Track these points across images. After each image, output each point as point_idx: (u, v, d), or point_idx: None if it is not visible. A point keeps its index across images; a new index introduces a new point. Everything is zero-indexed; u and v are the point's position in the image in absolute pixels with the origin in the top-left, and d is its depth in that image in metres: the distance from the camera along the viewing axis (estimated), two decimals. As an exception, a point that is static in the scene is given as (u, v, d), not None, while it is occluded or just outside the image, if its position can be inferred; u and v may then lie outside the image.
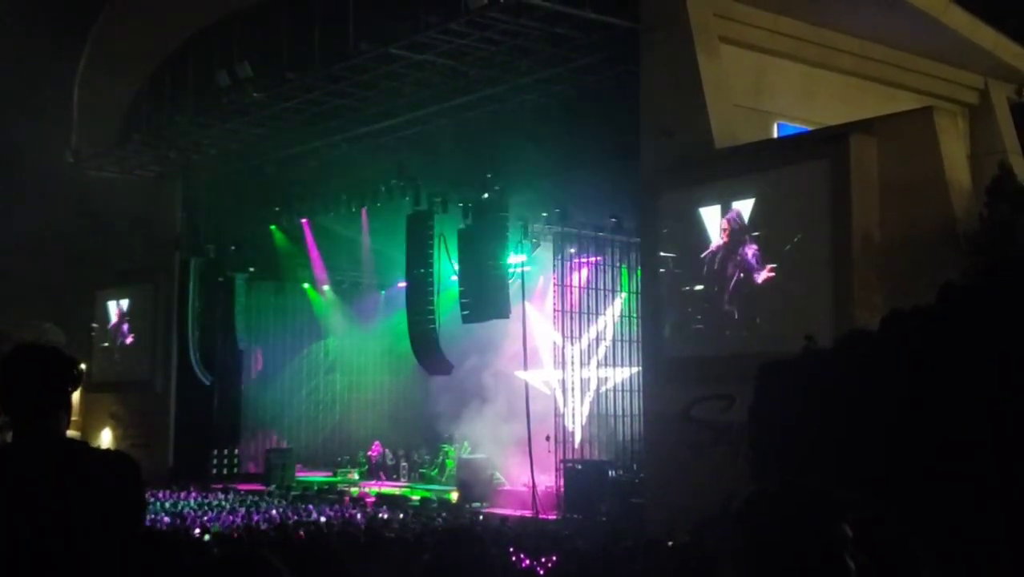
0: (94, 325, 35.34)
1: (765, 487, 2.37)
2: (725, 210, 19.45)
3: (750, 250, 19.07)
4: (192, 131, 29.99)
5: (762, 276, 18.89)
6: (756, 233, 19.03)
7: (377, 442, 32.45)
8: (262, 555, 2.91)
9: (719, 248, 19.51)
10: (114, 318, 35.22)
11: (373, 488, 28.83)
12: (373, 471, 31.49)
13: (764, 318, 18.88)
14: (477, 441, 28.11)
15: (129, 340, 34.66)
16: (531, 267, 27.35)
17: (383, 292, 35.05)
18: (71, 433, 3.63)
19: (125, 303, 34.87)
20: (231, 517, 21.54)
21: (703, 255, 19.75)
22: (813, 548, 2.27)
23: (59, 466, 3.22)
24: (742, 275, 19.17)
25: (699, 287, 19.84)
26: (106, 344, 35.00)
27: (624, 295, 26.41)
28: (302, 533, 15.13)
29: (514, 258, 25.95)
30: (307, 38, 25.11)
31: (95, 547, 3.11)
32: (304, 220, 32.41)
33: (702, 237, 19.82)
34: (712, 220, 19.67)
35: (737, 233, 19.28)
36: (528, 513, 22.99)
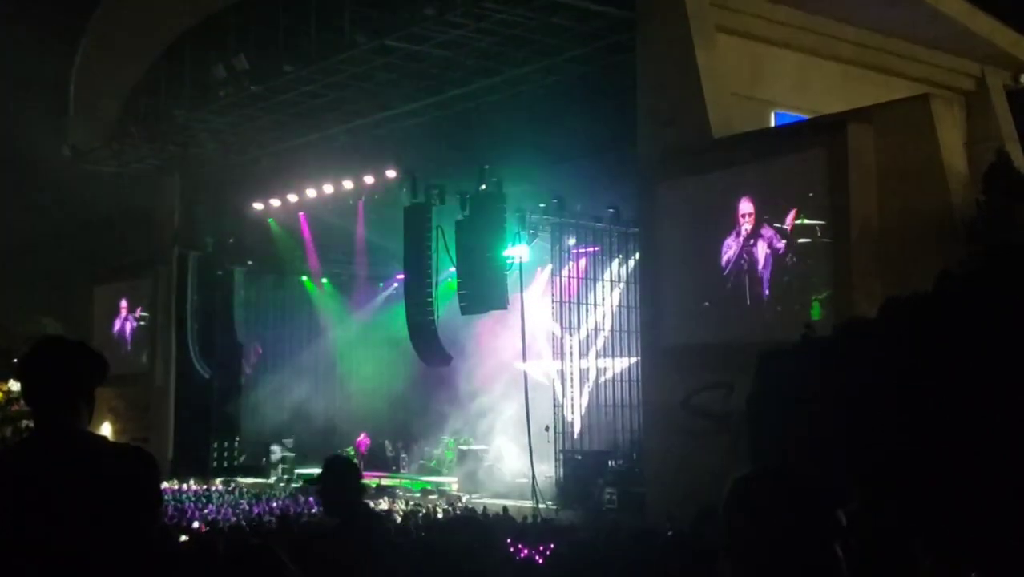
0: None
1: (754, 470, 2.33)
2: (723, 199, 19.47)
3: (748, 238, 19.10)
4: (189, 124, 29.98)
5: (760, 264, 18.92)
6: (754, 221, 19.06)
7: (364, 433, 32.42)
8: (267, 546, 2.93)
9: (717, 237, 19.53)
10: (112, 312, 35.23)
11: (372, 479, 28.82)
12: (364, 463, 31.44)
13: (763, 306, 18.92)
14: (477, 432, 28.16)
15: (128, 334, 34.69)
16: (529, 258, 27.34)
17: (381, 284, 35.06)
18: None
19: (124, 297, 34.90)
20: (231, 509, 21.59)
21: (701, 244, 19.77)
22: (803, 535, 2.20)
23: (78, 459, 3.24)
24: (740, 263, 19.21)
25: (697, 276, 19.86)
26: (105, 338, 34.99)
27: (622, 285, 26.43)
28: (304, 524, 15.16)
29: (512, 249, 25.94)
30: (304, 31, 25.09)
31: (111, 541, 3.13)
32: (302, 213, 32.41)
33: (700, 226, 19.83)
34: (710, 209, 19.69)
35: (734, 221, 19.30)
36: (528, 503, 23.03)
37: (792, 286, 18.60)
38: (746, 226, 19.18)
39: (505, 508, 20.33)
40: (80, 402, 3.43)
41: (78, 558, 3.10)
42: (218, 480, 29.21)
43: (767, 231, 18.90)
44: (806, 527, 2.21)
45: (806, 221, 18.42)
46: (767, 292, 18.89)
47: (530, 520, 18.28)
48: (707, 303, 19.96)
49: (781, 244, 18.68)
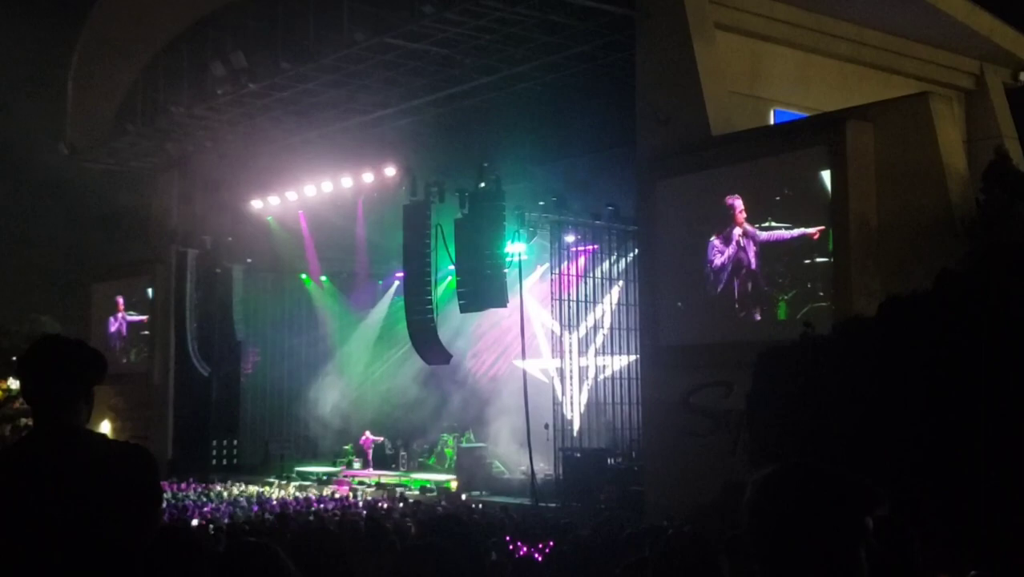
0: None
1: (781, 467, 2.26)
2: (723, 197, 19.45)
3: (747, 237, 19.09)
4: (187, 122, 29.92)
5: (759, 263, 18.91)
6: (753, 220, 19.04)
7: (367, 432, 32.39)
8: (267, 544, 2.92)
9: (716, 235, 19.52)
10: (110, 310, 35.21)
11: (371, 477, 28.84)
12: (366, 461, 31.43)
13: (762, 305, 18.91)
14: (476, 430, 28.14)
15: (126, 332, 34.68)
16: (528, 256, 27.34)
17: (380, 282, 35.05)
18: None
19: (121, 295, 34.88)
20: (231, 508, 21.58)
21: (700, 242, 19.75)
22: (829, 538, 2.15)
23: (77, 457, 3.23)
24: (740, 262, 19.19)
25: (697, 274, 19.84)
26: (103, 336, 34.97)
27: (621, 283, 26.43)
28: (304, 522, 15.15)
29: (511, 247, 25.93)
30: (302, 28, 25.06)
31: (111, 539, 3.12)
32: (301, 211, 32.38)
33: (699, 224, 19.82)
34: (709, 207, 19.67)
35: (735, 220, 19.29)
36: (527, 501, 23.02)
37: (790, 284, 18.58)
38: (745, 224, 19.16)
39: (504, 506, 20.33)
40: (80, 400, 3.43)
41: (78, 556, 3.09)
42: (218, 479, 29.16)
43: (766, 229, 18.89)
44: (833, 530, 2.17)
45: (805, 219, 18.41)
46: (766, 290, 18.89)
47: (530, 518, 18.25)
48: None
49: (779, 242, 18.67)
